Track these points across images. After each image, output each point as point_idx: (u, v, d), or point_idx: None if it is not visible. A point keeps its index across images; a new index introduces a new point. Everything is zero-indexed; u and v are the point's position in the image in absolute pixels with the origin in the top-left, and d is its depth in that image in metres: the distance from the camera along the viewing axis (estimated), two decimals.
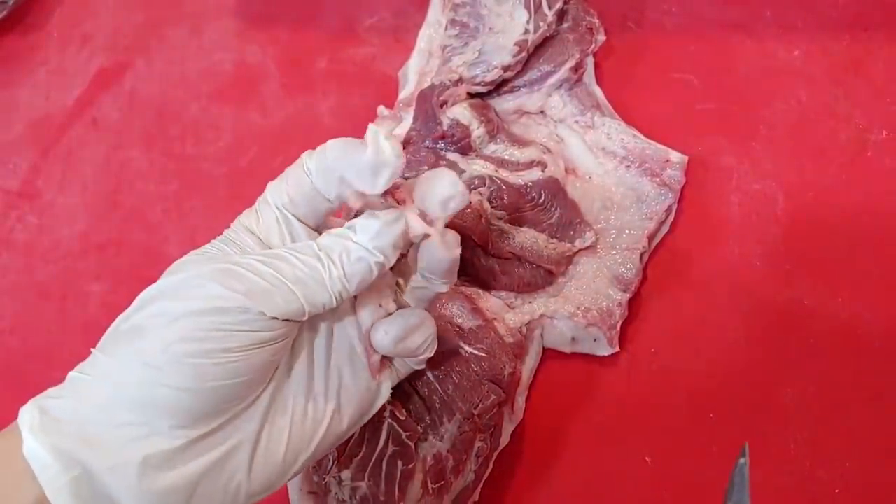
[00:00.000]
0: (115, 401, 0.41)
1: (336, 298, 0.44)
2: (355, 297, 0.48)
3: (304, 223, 0.47)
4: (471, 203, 0.59)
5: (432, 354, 0.50)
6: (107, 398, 0.41)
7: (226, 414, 0.43)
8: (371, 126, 0.44)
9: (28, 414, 0.41)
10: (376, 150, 0.43)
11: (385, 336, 0.48)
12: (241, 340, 0.41)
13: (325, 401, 0.47)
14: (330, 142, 0.47)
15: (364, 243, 0.44)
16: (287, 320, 0.43)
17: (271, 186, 0.48)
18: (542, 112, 0.68)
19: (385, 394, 0.50)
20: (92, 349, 0.44)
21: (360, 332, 0.49)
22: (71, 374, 0.43)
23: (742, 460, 0.44)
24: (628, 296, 0.62)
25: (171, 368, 0.40)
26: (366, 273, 0.44)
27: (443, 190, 0.46)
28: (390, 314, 0.49)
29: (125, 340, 0.42)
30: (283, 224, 0.47)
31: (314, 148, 0.73)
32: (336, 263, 0.44)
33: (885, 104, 0.65)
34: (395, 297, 0.50)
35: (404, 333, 0.48)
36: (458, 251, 0.48)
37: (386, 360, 0.50)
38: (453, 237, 0.48)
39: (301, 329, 0.47)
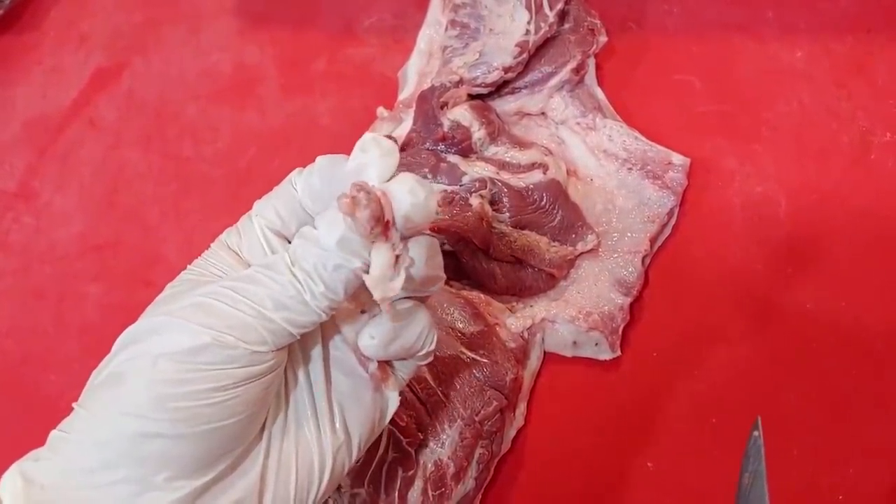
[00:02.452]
0: (102, 459, 0.37)
1: (326, 313, 0.40)
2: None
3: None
4: (472, 205, 0.59)
5: (434, 347, 0.44)
6: (93, 457, 0.37)
7: (226, 459, 0.39)
8: (366, 134, 0.41)
9: (10, 482, 0.38)
10: (361, 151, 0.40)
11: (372, 341, 0.42)
12: (234, 376, 0.38)
13: (331, 427, 0.43)
14: (318, 159, 0.43)
15: (332, 249, 0.38)
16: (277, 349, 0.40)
17: (258, 204, 0.45)
18: (543, 114, 0.67)
19: (394, 403, 0.46)
20: (74, 404, 0.40)
21: (349, 346, 0.44)
22: (53, 433, 0.39)
23: (756, 433, 0.46)
24: (630, 299, 0.61)
25: (159, 415, 0.37)
26: (350, 280, 0.39)
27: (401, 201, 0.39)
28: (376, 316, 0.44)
29: (104, 390, 0.39)
30: (266, 243, 0.44)
31: (312, 149, 0.73)
32: (314, 278, 0.39)
33: (889, 106, 0.65)
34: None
35: (393, 333, 0.42)
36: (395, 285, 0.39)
37: (386, 365, 0.45)
38: (421, 247, 0.40)
39: (293, 356, 0.43)
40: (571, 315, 0.60)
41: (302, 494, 0.41)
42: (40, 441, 0.67)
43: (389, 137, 0.65)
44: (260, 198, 0.71)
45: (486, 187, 0.60)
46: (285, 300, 0.39)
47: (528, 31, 0.66)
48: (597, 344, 0.61)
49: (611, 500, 0.59)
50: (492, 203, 0.60)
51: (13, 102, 0.81)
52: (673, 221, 0.64)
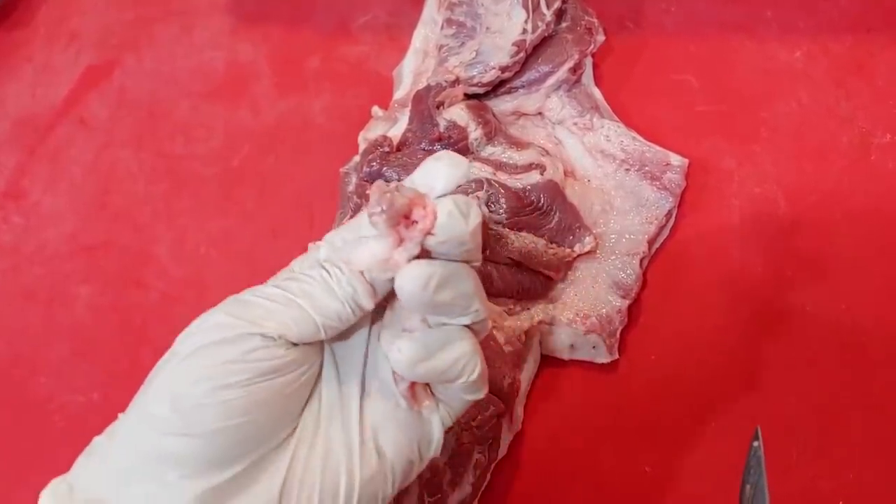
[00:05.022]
0: (125, 461, 0.39)
1: (349, 304, 0.39)
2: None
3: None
4: None
5: (476, 377, 0.41)
6: (118, 459, 0.39)
7: (242, 461, 0.39)
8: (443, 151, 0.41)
9: (49, 488, 0.39)
10: (433, 160, 0.40)
11: (399, 355, 0.40)
12: (242, 374, 0.38)
13: (363, 448, 0.41)
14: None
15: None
16: (303, 345, 0.40)
17: (328, 234, 0.44)
18: (540, 114, 0.67)
19: (436, 434, 0.43)
20: (120, 413, 0.41)
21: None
22: (94, 438, 0.41)
23: (756, 443, 0.45)
24: (628, 302, 0.61)
25: (174, 414, 0.38)
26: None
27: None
28: None
29: (139, 393, 0.41)
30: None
31: (306, 148, 0.73)
32: (342, 268, 0.40)
33: (888, 106, 0.65)
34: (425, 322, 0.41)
35: (424, 352, 0.40)
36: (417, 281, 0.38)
37: (423, 388, 0.43)
38: (417, 270, 0.38)
39: (332, 369, 0.42)
40: (569, 318, 0.60)
41: None
42: (30, 443, 0.66)
43: (384, 137, 0.64)
44: (254, 197, 0.71)
45: (482, 188, 0.59)
46: (312, 289, 0.40)
47: (525, 30, 0.65)
48: (594, 347, 0.60)
49: None
50: (488, 204, 0.59)
51: (2, 101, 0.81)
52: (671, 223, 0.63)
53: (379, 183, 0.38)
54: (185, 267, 0.71)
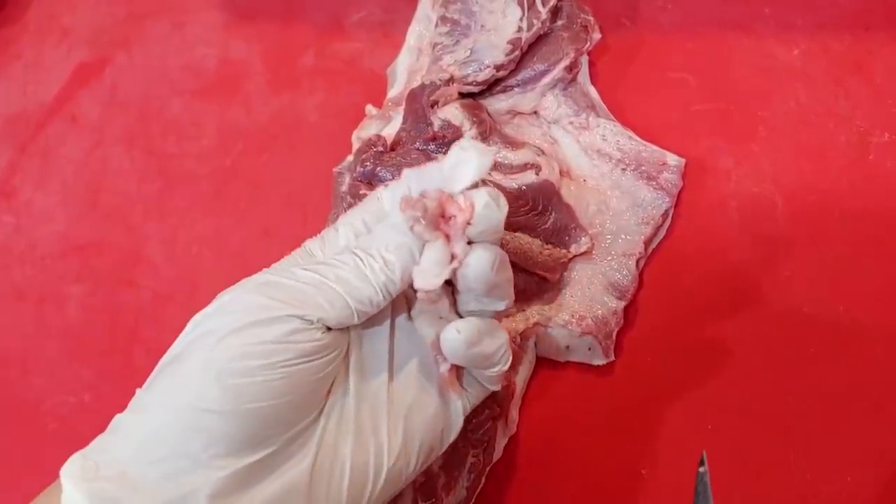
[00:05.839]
0: (154, 435, 0.39)
1: (381, 291, 0.42)
2: (413, 318, 0.46)
3: None
4: None
5: (507, 367, 0.46)
6: (146, 433, 0.39)
7: (273, 442, 0.40)
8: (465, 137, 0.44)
9: (70, 462, 0.40)
10: (460, 149, 0.43)
11: (458, 335, 0.43)
12: (285, 354, 0.39)
13: (390, 430, 0.43)
14: (405, 171, 0.46)
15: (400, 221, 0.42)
16: (335, 329, 0.42)
17: (344, 216, 0.48)
18: (535, 113, 0.66)
19: (458, 421, 0.46)
20: (137, 389, 0.42)
21: (423, 350, 0.45)
22: (115, 416, 0.42)
23: (702, 469, 0.46)
24: (624, 303, 0.60)
25: (209, 391, 0.39)
26: (407, 259, 0.42)
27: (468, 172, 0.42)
28: None
29: (166, 372, 0.41)
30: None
31: (299, 146, 0.72)
32: (375, 256, 0.42)
33: (887, 105, 0.64)
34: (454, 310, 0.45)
35: (477, 335, 0.43)
36: (490, 262, 0.42)
37: (456, 374, 0.46)
38: (487, 252, 0.42)
39: (358, 354, 0.44)
40: (564, 319, 0.59)
41: (355, 492, 0.42)
42: (21, 444, 0.66)
43: (378, 136, 0.64)
44: (246, 196, 0.71)
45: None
46: (345, 274, 0.42)
47: (520, 28, 0.64)
48: (590, 349, 0.60)
49: None
50: None
51: None
52: (668, 223, 0.63)
53: (405, 197, 0.41)
54: (177, 266, 0.70)
